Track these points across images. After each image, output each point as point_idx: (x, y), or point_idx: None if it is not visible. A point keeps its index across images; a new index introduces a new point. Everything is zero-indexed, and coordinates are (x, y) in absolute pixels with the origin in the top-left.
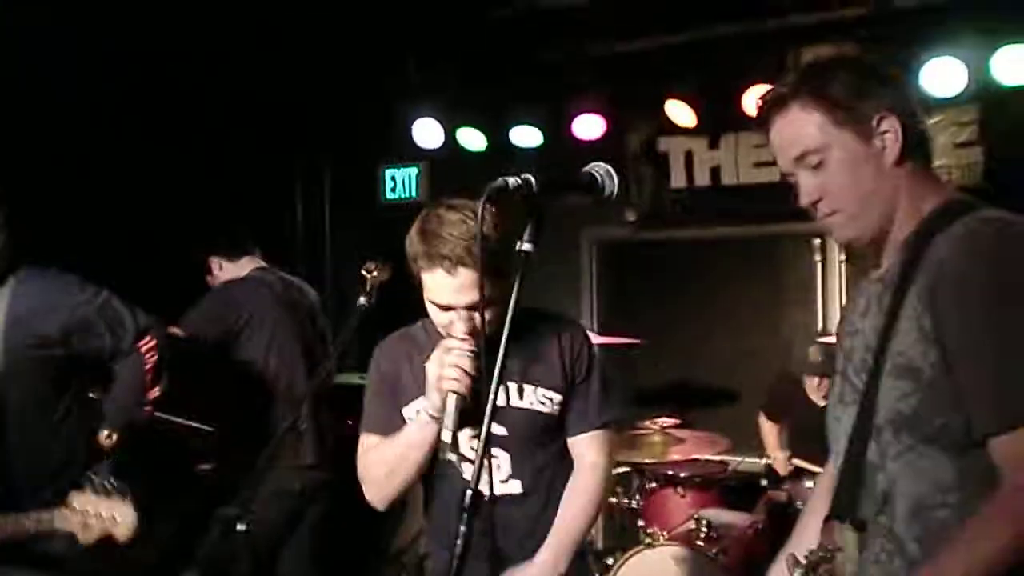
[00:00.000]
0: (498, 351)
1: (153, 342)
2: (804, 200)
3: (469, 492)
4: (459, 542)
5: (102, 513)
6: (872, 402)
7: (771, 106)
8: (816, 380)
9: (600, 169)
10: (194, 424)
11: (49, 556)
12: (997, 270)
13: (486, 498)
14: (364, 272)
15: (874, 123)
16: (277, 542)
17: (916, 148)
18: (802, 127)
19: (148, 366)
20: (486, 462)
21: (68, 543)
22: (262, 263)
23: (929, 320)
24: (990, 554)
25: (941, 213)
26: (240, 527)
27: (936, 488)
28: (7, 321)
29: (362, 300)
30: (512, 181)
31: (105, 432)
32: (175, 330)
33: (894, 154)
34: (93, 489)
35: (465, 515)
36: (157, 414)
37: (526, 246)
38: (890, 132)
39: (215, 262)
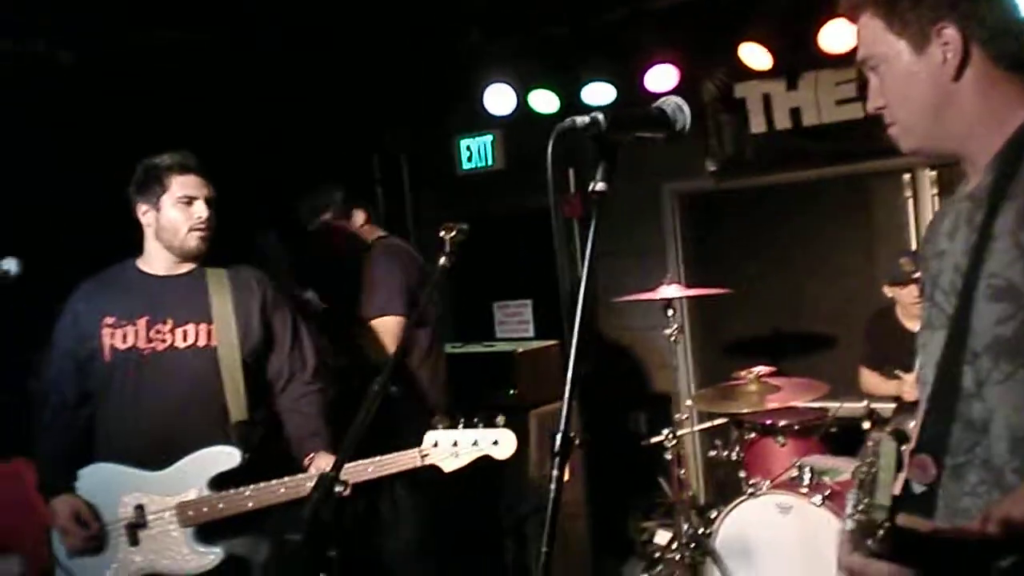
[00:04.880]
0: None
1: None
2: (869, 106)
3: (559, 436)
4: (553, 486)
5: (478, 441)
6: (964, 326)
7: (848, 9)
8: (907, 291)
9: (670, 103)
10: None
11: None
12: None
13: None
14: (443, 233)
15: (933, 34)
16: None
17: (1001, 59)
18: (866, 32)
19: None
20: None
21: None
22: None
23: None
24: None
25: None
26: (338, 489)
27: None
28: None
29: (443, 260)
30: (580, 120)
31: None
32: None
33: (952, 68)
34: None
35: (557, 459)
36: None
37: (599, 186)
38: (950, 44)
39: None
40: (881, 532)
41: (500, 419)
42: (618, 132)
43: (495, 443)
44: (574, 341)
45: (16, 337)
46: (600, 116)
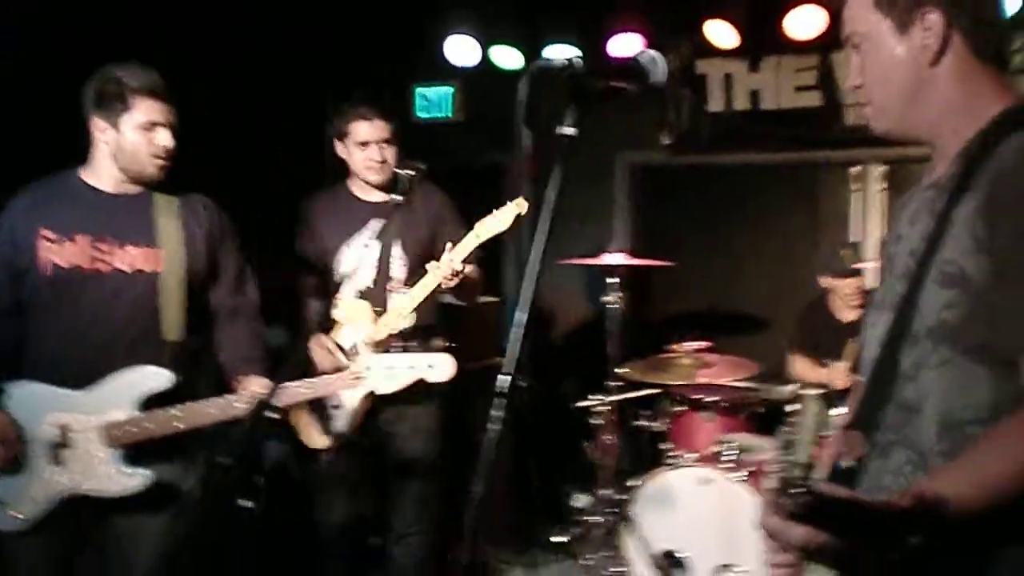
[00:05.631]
0: None
1: None
2: (847, 83)
3: (506, 379)
4: (495, 426)
5: (413, 365)
6: (911, 309)
7: None
8: (846, 283)
9: (646, 55)
10: None
11: None
12: None
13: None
14: (398, 170)
15: (917, 17)
16: None
17: (981, 50)
18: (853, 9)
19: None
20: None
21: None
22: None
23: (984, 229)
24: (1001, 473)
25: (1005, 120)
26: (271, 415)
27: (970, 404)
28: None
29: (397, 197)
30: (556, 61)
31: None
32: None
33: (931, 53)
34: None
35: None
36: None
37: (568, 130)
38: (932, 29)
39: None
40: (798, 491)
41: (439, 342)
42: (593, 76)
43: (430, 366)
44: (530, 286)
45: None
46: (577, 58)
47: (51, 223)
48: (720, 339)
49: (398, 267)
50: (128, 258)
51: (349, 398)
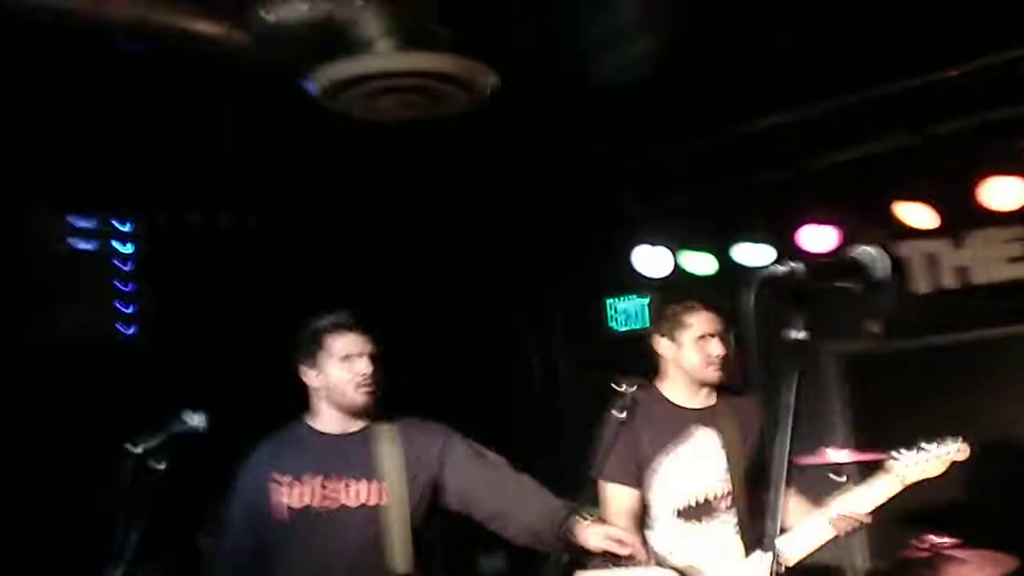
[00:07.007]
0: None
1: None
2: None
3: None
4: None
5: None
6: None
7: None
8: None
9: (868, 251)
10: None
11: None
12: None
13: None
14: (617, 386)
15: None
16: None
17: None
18: None
19: None
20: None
21: None
22: None
23: None
24: None
25: None
26: None
27: None
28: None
29: (623, 414)
30: (780, 269)
31: None
32: None
33: None
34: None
35: None
36: None
37: (800, 335)
38: None
39: None
40: None
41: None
42: (818, 279)
43: None
44: (779, 498)
45: (193, 491)
46: (799, 265)
47: (282, 468)
48: (967, 532)
49: (724, 482)
50: (353, 494)
51: None
